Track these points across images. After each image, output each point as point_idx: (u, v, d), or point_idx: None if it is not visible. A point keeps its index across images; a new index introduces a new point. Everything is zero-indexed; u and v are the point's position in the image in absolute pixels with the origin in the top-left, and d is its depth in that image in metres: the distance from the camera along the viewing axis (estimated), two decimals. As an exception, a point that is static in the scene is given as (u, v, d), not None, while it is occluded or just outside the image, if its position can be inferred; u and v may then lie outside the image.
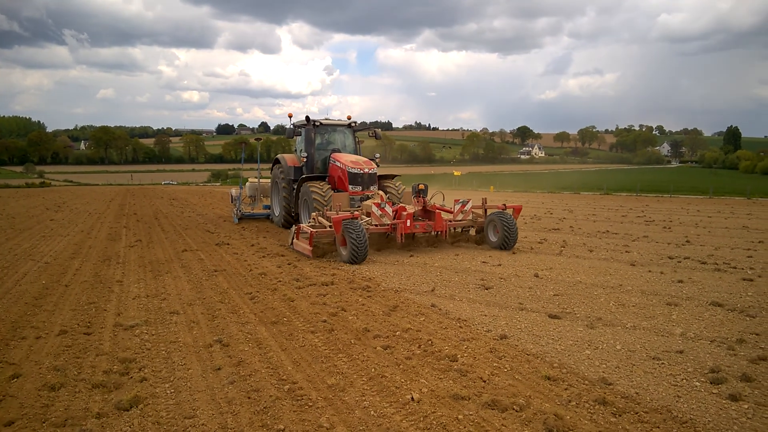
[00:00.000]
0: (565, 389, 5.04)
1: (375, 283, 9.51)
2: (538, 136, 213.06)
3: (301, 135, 17.54)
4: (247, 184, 22.06)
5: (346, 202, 14.85)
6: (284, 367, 5.69)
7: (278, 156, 18.59)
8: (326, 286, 9.33)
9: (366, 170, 15.55)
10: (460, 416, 4.52)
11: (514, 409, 4.63)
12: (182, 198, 36.29)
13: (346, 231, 11.25)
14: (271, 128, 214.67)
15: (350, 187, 15.38)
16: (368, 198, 15.28)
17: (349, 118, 18.37)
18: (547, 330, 6.85)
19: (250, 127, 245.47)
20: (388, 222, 12.49)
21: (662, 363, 5.73)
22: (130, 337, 6.60)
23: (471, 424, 4.41)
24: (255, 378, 5.39)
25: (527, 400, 4.77)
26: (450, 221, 13.57)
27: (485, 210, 14.30)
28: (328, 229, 12.08)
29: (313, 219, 13.38)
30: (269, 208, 19.93)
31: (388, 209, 12.55)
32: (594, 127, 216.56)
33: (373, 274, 10.28)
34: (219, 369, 5.64)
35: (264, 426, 4.42)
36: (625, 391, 5.02)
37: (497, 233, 13.15)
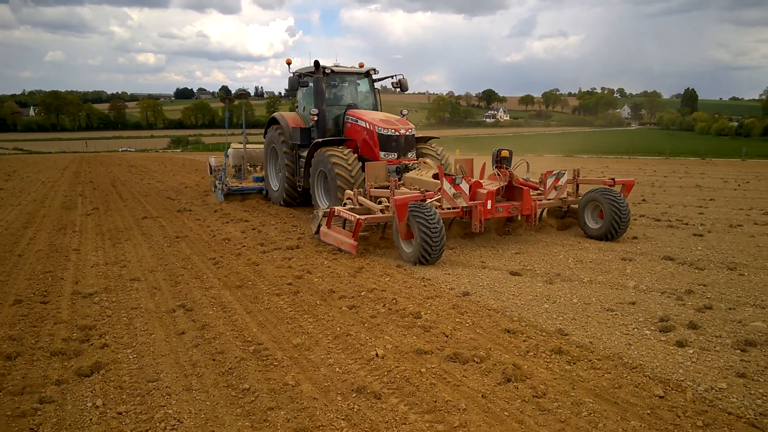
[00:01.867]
0: (524, 341, 5.22)
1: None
2: (503, 100, 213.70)
3: (307, 86, 13.93)
4: (230, 150, 17.83)
5: (384, 174, 11.24)
6: (249, 329, 5.70)
7: (275, 115, 14.80)
8: (292, 249, 9.32)
9: (403, 131, 12.08)
10: (423, 369, 4.64)
11: (474, 361, 4.77)
12: (141, 165, 35.31)
13: (415, 219, 8.00)
14: (233, 92, 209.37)
15: (382, 154, 11.96)
16: (406, 168, 11.73)
17: (361, 65, 14.37)
18: (507, 286, 7.03)
19: (210, 91, 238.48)
20: (465, 203, 9.04)
21: (615, 314, 5.98)
22: (90, 305, 6.49)
23: (433, 376, 4.53)
24: (220, 341, 5.40)
25: (487, 352, 4.93)
26: (539, 201, 10.12)
27: (577, 186, 10.89)
28: (382, 215, 9.08)
29: (350, 199, 10.20)
30: (261, 181, 16.17)
31: (465, 186, 9.05)
32: (557, 90, 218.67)
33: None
34: (183, 333, 5.61)
35: (229, 386, 4.45)
36: (579, 340, 5.23)
37: (601, 218, 9.78)
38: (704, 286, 6.99)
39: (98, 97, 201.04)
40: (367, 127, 12.24)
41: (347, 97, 14.31)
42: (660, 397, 4.15)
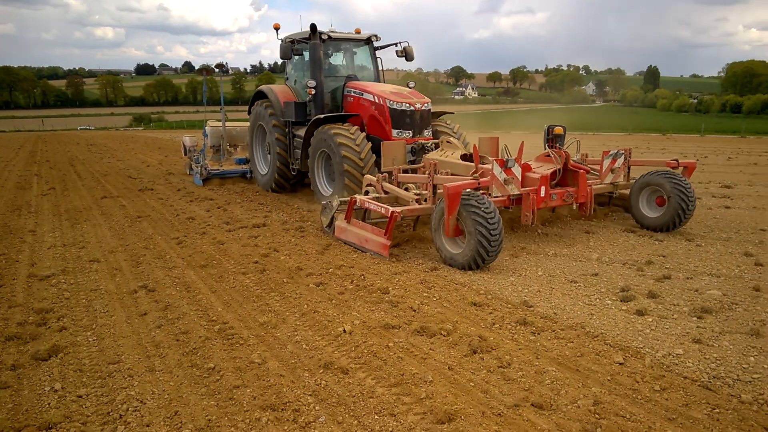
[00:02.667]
0: (490, 313, 5.29)
1: (310, 226, 9.45)
2: (471, 77, 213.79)
3: (301, 55, 12.11)
4: (207, 129, 15.86)
5: (402, 155, 9.66)
6: (214, 308, 5.62)
7: (262, 88, 13.02)
8: (258, 228, 9.19)
9: (419, 105, 10.54)
10: (390, 344, 4.65)
11: (441, 334, 4.81)
12: (101, 144, 34.23)
13: (468, 212, 6.57)
14: (196, 68, 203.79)
15: (394, 132, 10.40)
16: (422, 148, 10.34)
17: (357, 32, 12.55)
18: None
19: (173, 66, 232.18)
20: (516, 190, 7.48)
21: (579, 285, 6.10)
22: (47, 288, 6.28)
23: (401, 350, 4.55)
24: (183, 321, 5.30)
25: (454, 326, 4.97)
26: (594, 186, 8.61)
27: (628, 168, 9.29)
28: (419, 206, 7.74)
29: (371, 186, 8.80)
30: (244, 163, 14.85)
31: (517, 170, 7.47)
32: (525, 67, 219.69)
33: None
34: (145, 314, 5.49)
35: (194, 366, 4.39)
36: (544, 312, 5.33)
37: (659, 205, 8.53)
38: (663, 257, 7.19)
39: (54, 73, 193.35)
40: (376, 101, 10.59)
41: (345, 67, 12.64)
42: (620, 363, 4.26)
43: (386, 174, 8.78)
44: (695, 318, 5.17)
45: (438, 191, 7.55)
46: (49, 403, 3.85)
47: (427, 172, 7.85)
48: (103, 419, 3.67)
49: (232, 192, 13.05)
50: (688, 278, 6.34)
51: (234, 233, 8.85)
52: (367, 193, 8.67)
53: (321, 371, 4.22)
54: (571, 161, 8.42)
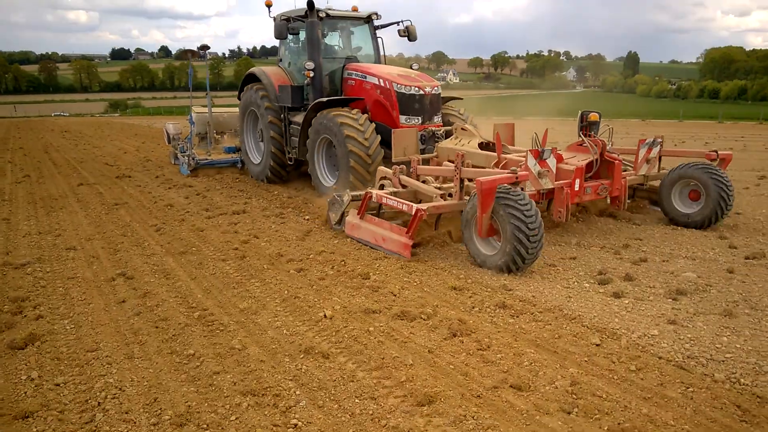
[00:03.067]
0: (470, 297, 5.33)
1: (291, 215, 9.40)
2: (452, 62, 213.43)
3: (297, 34, 11.30)
4: (194, 115, 14.66)
5: (414, 144, 8.99)
6: (194, 295, 5.58)
7: (253, 71, 12.07)
8: (238, 214, 9.12)
9: (428, 89, 9.84)
10: (371, 328, 4.67)
11: (422, 318, 4.84)
12: (76, 130, 33.53)
13: (504, 210, 5.93)
14: (173, 53, 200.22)
15: (402, 118, 9.68)
16: (433, 136, 9.59)
17: (355, 9, 11.69)
18: (454, 247, 7.11)
19: (149, 51, 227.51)
20: (551, 185, 6.81)
21: (557, 269, 6.18)
22: (22, 276, 6.18)
23: (381, 334, 4.58)
24: (163, 308, 5.26)
25: (434, 309, 5.01)
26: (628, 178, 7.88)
27: (659, 158, 8.47)
28: (444, 202, 7.05)
29: (386, 179, 8.16)
30: (234, 152, 13.83)
31: (552, 162, 6.79)
32: (506, 52, 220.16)
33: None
34: (123, 302, 5.44)
35: (173, 352, 4.36)
36: (523, 295, 5.39)
37: (693, 200, 7.94)
38: (640, 240, 7.30)
39: (26, 58, 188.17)
40: (382, 84, 9.85)
41: (343, 48, 11.77)
42: (597, 345, 4.34)
43: (403, 166, 8.09)
44: (670, 300, 5.28)
45: (466, 185, 7.09)
46: (25, 392, 3.81)
47: (454, 163, 7.03)
48: (81, 407, 3.64)
49: (212, 179, 12.91)
50: (663, 261, 6.46)
51: (213, 220, 8.77)
52: (382, 187, 8.01)
53: (302, 356, 4.23)
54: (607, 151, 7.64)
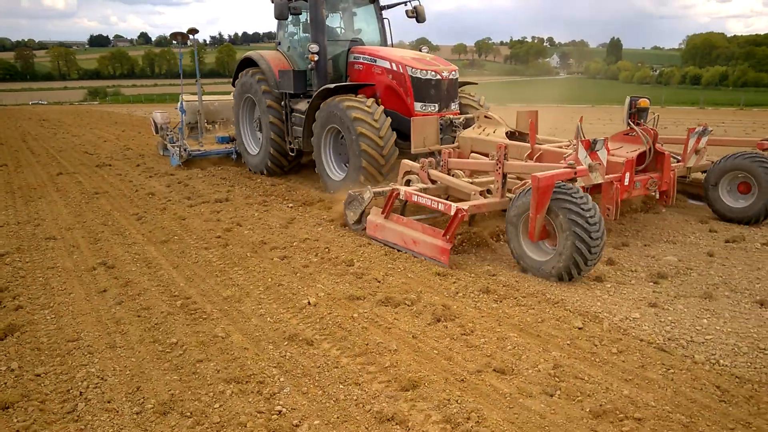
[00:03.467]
0: (454, 283, 5.35)
1: (277, 195, 9.34)
2: (436, 48, 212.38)
3: (299, 14, 10.36)
4: (184, 104, 13.71)
5: (435, 134, 8.31)
6: (176, 283, 5.53)
7: (250, 55, 11.25)
8: (220, 202, 9.03)
9: (446, 74, 9.03)
10: (355, 315, 4.67)
11: (406, 304, 4.85)
12: (54, 119, 32.90)
13: (562, 209, 5.23)
14: (153, 39, 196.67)
15: (418, 105, 8.86)
16: (451, 124, 8.60)
17: None
18: (439, 232, 7.12)
19: (128, 38, 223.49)
20: (601, 179, 6.14)
21: (541, 254, 6.20)
22: (1, 266, 6.07)
23: (365, 320, 4.58)
24: (145, 297, 5.21)
25: (418, 296, 5.01)
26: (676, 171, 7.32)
27: (696, 150, 7.70)
28: (485, 200, 6.30)
29: (412, 173, 7.31)
30: (228, 142, 13.17)
31: (603, 154, 6.17)
32: (490, 39, 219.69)
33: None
34: (105, 291, 5.38)
35: (156, 341, 4.32)
36: (506, 280, 5.42)
37: (743, 192, 7.32)
38: (622, 225, 7.37)
39: (1, 45, 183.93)
40: (395, 68, 9.00)
41: (345, 30, 11.03)
42: (579, 328, 4.38)
43: (431, 158, 7.35)
44: (651, 283, 5.35)
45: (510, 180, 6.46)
46: (5, 383, 3.75)
47: (496, 156, 6.20)
48: (63, 397, 3.60)
49: (195, 166, 12.75)
50: (645, 245, 6.53)
51: (196, 208, 8.68)
52: (408, 183, 7.26)
53: (286, 343, 4.21)
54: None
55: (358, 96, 8.86)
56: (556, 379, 3.68)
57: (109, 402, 3.55)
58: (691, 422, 3.21)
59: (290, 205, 8.77)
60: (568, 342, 4.17)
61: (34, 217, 8.28)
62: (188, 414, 3.39)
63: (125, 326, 4.60)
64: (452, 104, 9.24)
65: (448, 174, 7.11)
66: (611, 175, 6.28)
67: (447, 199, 6.35)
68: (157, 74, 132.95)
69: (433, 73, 8.89)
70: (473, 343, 4.16)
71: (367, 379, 3.72)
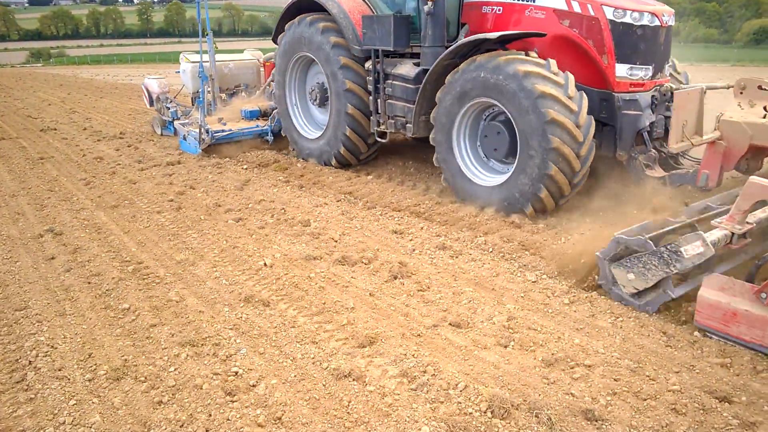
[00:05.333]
0: (410, 240, 5.38)
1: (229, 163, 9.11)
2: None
3: None
4: (187, 65, 10.88)
5: (696, 113, 5.52)
6: (128, 249, 5.38)
7: None
8: (173, 165, 8.75)
9: (665, 18, 6.04)
10: (312, 274, 4.65)
11: (363, 262, 4.86)
12: (-6, 81, 31.11)
13: None
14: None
15: (623, 69, 5.89)
16: (667, 98, 5.85)
17: None
18: (395, 191, 7.06)
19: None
20: None
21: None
22: (-62, 236, 5.78)
23: (322, 280, 4.57)
24: (95, 263, 5.06)
25: (375, 254, 5.02)
26: None
27: None
28: None
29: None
30: (256, 117, 9.94)
31: None
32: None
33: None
34: (53, 258, 5.20)
35: (107, 308, 4.22)
36: (462, 236, 5.46)
37: None
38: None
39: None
40: (577, 9, 5.87)
41: None
42: (533, 282, 4.48)
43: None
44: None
45: None
46: (-52, 356, 3.61)
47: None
48: (11, 367, 3.51)
49: (144, 129, 12.28)
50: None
51: (147, 172, 8.40)
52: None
53: (242, 305, 4.18)
54: None
55: (529, 54, 5.88)
56: (510, 330, 3.77)
57: (59, 370, 3.46)
58: (639, 367, 3.34)
59: (245, 166, 8.56)
60: (522, 294, 4.26)
61: (-26, 184, 7.88)
62: (142, 378, 3.34)
63: (75, 293, 4.47)
64: (666, 67, 6.38)
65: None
66: None
67: None
68: (103, 34, 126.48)
69: (649, 16, 5.87)
70: (429, 298, 4.21)
71: (324, 337, 3.73)
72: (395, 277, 4.52)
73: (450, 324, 3.85)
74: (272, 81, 9.31)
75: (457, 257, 4.95)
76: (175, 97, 11.55)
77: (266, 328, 3.86)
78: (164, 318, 4.03)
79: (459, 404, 3.03)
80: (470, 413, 2.96)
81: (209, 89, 10.39)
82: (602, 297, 4.20)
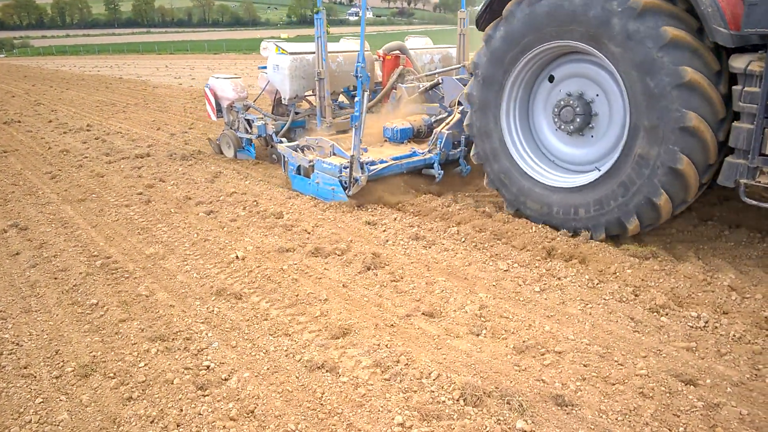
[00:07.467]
0: (384, 231, 5.37)
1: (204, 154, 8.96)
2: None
3: None
4: (279, 61, 7.64)
5: None
6: (95, 243, 5.27)
7: None
8: (141, 158, 8.59)
9: None
10: (284, 267, 4.62)
11: (336, 254, 4.84)
12: (-47, 72, 30.06)
13: None
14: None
15: None
16: None
17: None
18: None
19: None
20: None
21: (474, 199, 6.29)
22: None
23: (295, 272, 4.54)
24: (61, 258, 4.94)
25: (348, 245, 5.01)
26: None
27: None
28: None
29: None
30: (407, 138, 6.93)
31: None
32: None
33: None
34: (17, 254, 5.07)
35: (74, 303, 4.14)
36: (435, 227, 5.48)
37: None
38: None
39: None
40: None
41: None
42: (504, 270, 4.51)
43: None
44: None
45: None
46: None
47: None
48: (-27, 366, 3.40)
49: (114, 118, 12.02)
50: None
51: (115, 165, 8.23)
52: None
53: (213, 299, 4.13)
54: None
55: None
56: (482, 319, 3.80)
57: (25, 368, 3.39)
58: (608, 352, 3.40)
59: (216, 158, 8.44)
60: (494, 283, 4.30)
61: (-68, 178, 7.61)
62: (111, 375, 3.29)
63: (41, 289, 4.37)
64: None
65: None
66: None
67: None
68: (69, 24, 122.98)
69: None
70: (402, 288, 4.22)
71: (297, 329, 3.71)
72: (368, 268, 4.51)
73: (423, 314, 3.86)
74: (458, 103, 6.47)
75: (430, 247, 4.97)
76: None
77: (238, 321, 3.83)
78: (134, 313, 3.96)
79: (432, 393, 3.05)
80: (443, 401, 2.98)
81: (316, 94, 7.67)
82: (572, 285, 4.27)
